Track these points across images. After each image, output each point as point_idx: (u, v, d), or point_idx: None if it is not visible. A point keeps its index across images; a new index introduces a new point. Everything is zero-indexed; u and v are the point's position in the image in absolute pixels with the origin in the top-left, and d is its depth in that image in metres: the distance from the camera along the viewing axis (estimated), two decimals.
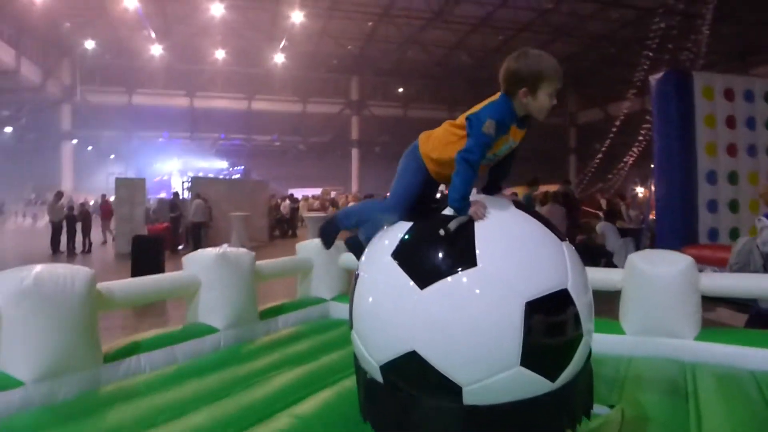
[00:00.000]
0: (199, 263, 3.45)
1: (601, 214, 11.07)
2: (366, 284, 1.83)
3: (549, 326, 1.64)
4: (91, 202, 29.96)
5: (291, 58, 28.48)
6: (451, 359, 1.59)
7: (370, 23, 26.52)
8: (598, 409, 2.45)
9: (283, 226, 18.47)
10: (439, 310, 1.59)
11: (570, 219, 8.43)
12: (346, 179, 34.12)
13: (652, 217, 8.48)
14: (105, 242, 15.41)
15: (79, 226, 13.38)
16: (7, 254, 12.95)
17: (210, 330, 3.33)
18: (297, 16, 22.10)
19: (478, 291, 1.59)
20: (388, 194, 2.08)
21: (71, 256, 12.72)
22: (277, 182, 32.41)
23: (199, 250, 3.60)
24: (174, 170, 31.08)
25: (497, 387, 1.60)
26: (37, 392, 2.40)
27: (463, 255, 1.64)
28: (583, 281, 1.79)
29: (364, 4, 23.85)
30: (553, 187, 11.30)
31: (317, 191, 30.54)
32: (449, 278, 1.61)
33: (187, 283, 3.37)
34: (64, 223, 13.06)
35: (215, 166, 31.91)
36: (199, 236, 13.07)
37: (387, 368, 1.72)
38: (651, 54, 12.53)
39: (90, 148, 34.60)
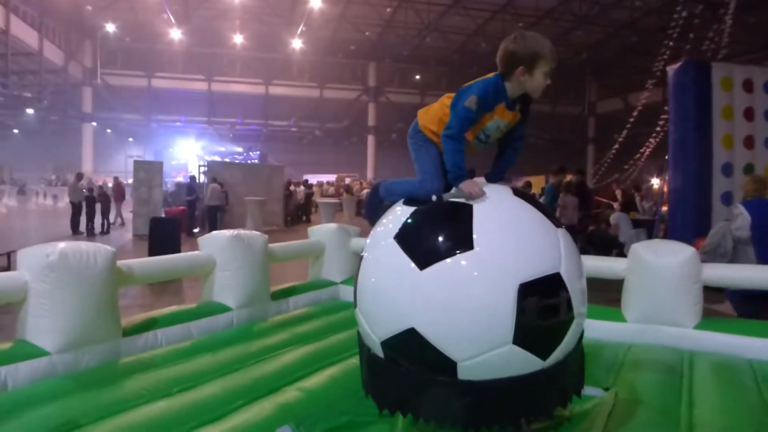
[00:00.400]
0: (214, 244, 3.58)
1: (615, 204, 11.05)
2: (370, 264, 1.92)
3: (541, 307, 1.73)
4: (110, 184, 30.48)
5: (309, 43, 28.49)
6: (447, 336, 1.69)
7: (388, 9, 26.39)
8: (593, 391, 2.54)
9: (298, 212, 18.65)
10: (437, 290, 1.69)
11: (583, 209, 8.43)
12: (361, 166, 34.19)
13: (665, 208, 8.44)
14: (120, 224, 15.57)
15: (98, 207, 13.67)
16: (28, 234, 13.29)
17: (224, 308, 3.47)
18: (316, 2, 22.07)
19: (474, 273, 1.70)
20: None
21: (90, 236, 13.03)
22: (293, 168, 32.60)
23: (215, 232, 3.74)
24: (191, 154, 31.41)
25: (490, 363, 1.69)
26: (61, 361, 2.56)
27: (461, 239, 1.73)
28: (577, 267, 1.87)
29: None
30: (567, 178, 11.28)
31: (333, 177, 30.73)
32: (447, 260, 1.71)
33: (202, 262, 3.50)
34: (84, 204, 13.37)
35: (232, 150, 32.17)
36: (214, 220, 13.29)
37: (387, 344, 1.82)
38: (671, 43, 12.34)
39: (109, 131, 35.12)
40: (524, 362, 1.72)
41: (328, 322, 3.67)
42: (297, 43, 27.85)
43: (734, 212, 4.60)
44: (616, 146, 17.28)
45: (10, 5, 20.84)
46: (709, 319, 3.35)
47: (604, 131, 31.98)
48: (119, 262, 2.95)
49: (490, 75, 1.94)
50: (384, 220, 2.02)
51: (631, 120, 15.42)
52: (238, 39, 27.80)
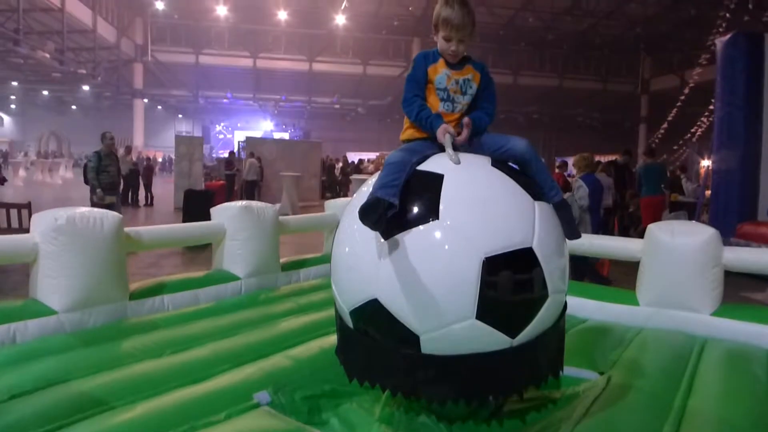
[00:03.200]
0: (225, 213, 3.65)
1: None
2: (342, 233, 1.91)
3: (508, 283, 1.66)
4: (159, 159, 31.52)
5: (352, 19, 28.26)
6: (408, 308, 1.65)
7: None
8: (588, 374, 2.47)
9: (335, 188, 18.80)
10: (399, 261, 1.65)
11: (620, 190, 8.10)
12: (399, 147, 33.91)
13: (708, 192, 8.02)
14: (146, 203, 14.63)
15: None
16: (75, 203, 13.94)
17: (232, 277, 3.55)
18: None
19: (438, 244, 1.64)
20: None
21: (135, 207, 13.58)
22: (336, 145, 32.79)
23: (227, 203, 3.81)
24: (236, 129, 32.03)
25: (453, 337, 1.65)
26: (68, 320, 2.69)
27: (427, 209, 1.68)
28: (554, 242, 1.79)
29: None
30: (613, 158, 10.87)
31: (374, 155, 30.71)
32: (412, 230, 1.66)
33: (212, 231, 3.58)
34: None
35: (274, 126, 32.60)
36: (252, 194, 13.57)
37: (355, 314, 1.81)
38: (729, 15, 11.55)
39: (159, 107, 36.20)
40: (490, 339, 1.67)
41: None
42: (341, 19, 27.70)
43: (575, 185, 5.38)
44: (665, 126, 16.46)
45: None
46: (730, 304, 3.18)
47: (657, 110, 30.43)
48: (128, 229, 3.05)
49: None
50: (363, 188, 1.99)
51: (682, 98, 14.61)
52: (282, 15, 27.88)
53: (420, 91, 1.95)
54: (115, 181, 7.62)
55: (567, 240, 1.91)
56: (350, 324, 1.87)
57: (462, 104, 1.99)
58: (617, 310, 3.34)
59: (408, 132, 2.03)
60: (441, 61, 1.97)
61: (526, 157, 1.87)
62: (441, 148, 1.88)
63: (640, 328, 3.13)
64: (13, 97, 37.70)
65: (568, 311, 3.16)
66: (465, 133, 1.90)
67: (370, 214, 1.64)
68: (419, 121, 1.93)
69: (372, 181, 1.90)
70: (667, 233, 3.16)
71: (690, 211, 8.40)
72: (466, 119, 1.92)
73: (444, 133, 1.86)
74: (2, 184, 11.96)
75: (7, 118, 42.14)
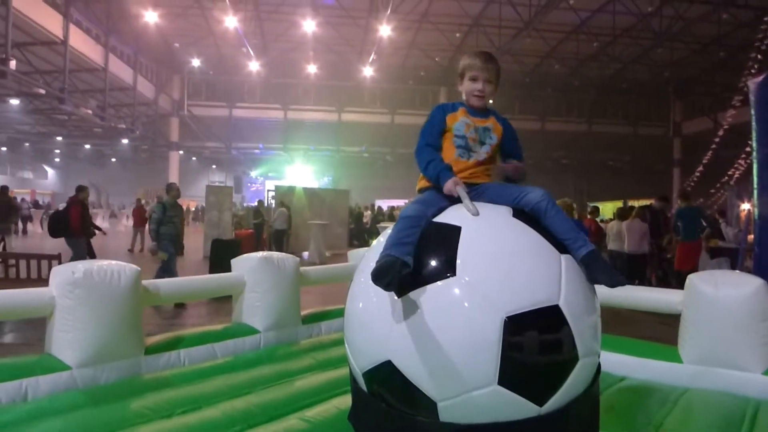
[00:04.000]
0: (245, 265, 3.59)
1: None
2: (356, 287, 1.81)
3: (533, 344, 1.52)
4: (192, 208, 32.25)
5: (380, 70, 29.03)
6: (424, 372, 1.52)
7: (458, 34, 26.42)
8: None
9: (364, 236, 18.79)
10: (414, 320, 1.54)
11: (655, 236, 7.81)
12: (416, 198, 33.99)
13: (751, 237, 7.65)
14: (139, 249, 14.53)
15: None
16: (106, 253, 14.22)
17: (251, 331, 3.45)
18: (386, 30, 22.53)
19: (455, 302, 1.52)
20: None
21: None
22: (365, 192, 33.04)
23: (247, 254, 3.76)
24: (266, 180, 32.67)
25: (474, 405, 1.51)
26: (81, 376, 2.62)
27: (445, 264, 1.58)
28: (584, 299, 1.65)
29: (454, 15, 23.81)
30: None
31: (403, 202, 30.79)
32: (426, 287, 1.55)
33: (231, 283, 3.52)
34: None
35: (305, 176, 33.18)
36: (281, 243, 13.63)
37: (368, 376, 1.69)
38: (760, 57, 11.37)
39: (194, 158, 37.38)
40: (514, 407, 1.51)
41: None
42: (368, 71, 28.47)
43: None
44: (700, 168, 16.05)
45: (109, 46, 22.90)
46: None
47: (691, 153, 29.88)
48: (145, 282, 3.02)
49: None
50: (381, 239, 1.90)
51: (717, 140, 14.27)
52: (311, 69, 28.85)
53: (433, 141, 1.91)
54: (179, 232, 7.31)
55: (609, 288, 1.74)
56: (364, 387, 1.74)
57: (479, 154, 1.91)
58: (659, 367, 3.10)
59: (423, 181, 1.96)
60: (462, 110, 1.96)
61: (542, 207, 1.73)
62: (456, 201, 1.79)
63: (684, 389, 2.88)
64: (57, 151, 39.61)
65: (605, 368, 2.96)
66: (513, 166, 1.91)
67: (382, 277, 1.53)
68: (428, 171, 1.87)
69: (387, 232, 1.81)
70: (710, 284, 2.94)
71: (732, 258, 8.01)
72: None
73: (454, 186, 1.78)
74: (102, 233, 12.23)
75: (50, 171, 44.15)
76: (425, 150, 1.90)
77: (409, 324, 1.54)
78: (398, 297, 1.57)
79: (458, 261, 1.56)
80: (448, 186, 1.79)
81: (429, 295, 1.54)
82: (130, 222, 27.41)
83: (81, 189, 8.43)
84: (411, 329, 1.53)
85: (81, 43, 20.48)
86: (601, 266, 1.71)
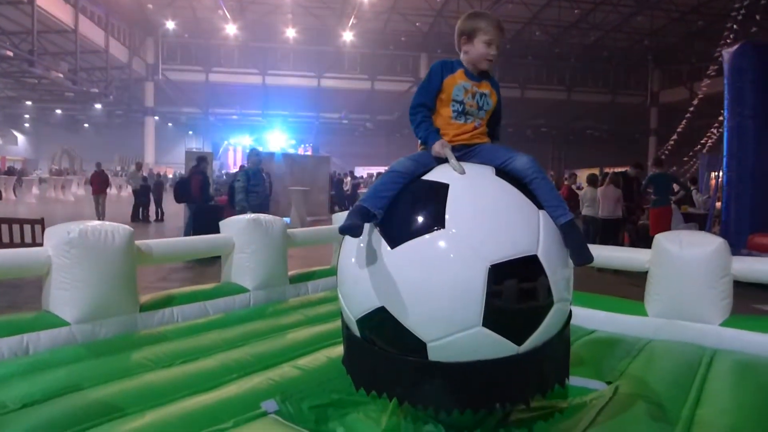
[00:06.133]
0: (233, 227, 3.69)
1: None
2: (349, 243, 1.93)
3: (513, 290, 1.67)
4: (170, 175, 31.84)
5: (360, 35, 28.64)
6: (416, 316, 1.67)
7: None
8: (596, 384, 2.46)
9: (344, 202, 18.87)
10: (406, 269, 1.68)
11: (629, 202, 8.07)
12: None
13: (719, 204, 7.96)
14: (156, 218, 14.48)
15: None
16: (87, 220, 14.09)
17: (240, 289, 3.58)
18: None
19: (444, 252, 1.66)
20: None
21: (145, 222, 13.71)
22: (345, 159, 32.97)
23: (236, 216, 3.85)
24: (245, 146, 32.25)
25: (460, 345, 1.66)
26: (80, 332, 2.72)
27: (434, 218, 1.71)
28: (558, 250, 1.80)
29: None
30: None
31: (383, 169, 30.80)
32: (418, 239, 1.69)
33: (221, 244, 3.62)
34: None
35: (284, 142, 32.87)
36: (262, 208, 13.63)
37: (362, 323, 1.83)
38: (736, 27, 11.56)
39: (170, 124, 36.67)
40: (496, 346, 1.68)
41: None
42: (348, 36, 28.08)
43: None
44: (674, 137, 16.41)
45: (79, 6, 22.08)
46: (740, 315, 3.16)
47: (667, 122, 30.37)
48: (138, 242, 3.10)
49: None
50: None
51: (691, 109, 14.57)
52: (290, 33, 28.33)
53: (428, 101, 1.97)
54: (265, 202, 6.83)
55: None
56: (357, 333, 1.89)
57: (476, 119, 1.99)
58: (626, 321, 3.33)
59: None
60: (460, 71, 1.98)
61: (528, 174, 1.83)
62: (445, 161, 1.91)
63: (648, 340, 3.11)
64: (27, 116, 38.43)
65: (577, 322, 3.17)
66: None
67: (351, 220, 1.73)
68: (418, 132, 1.96)
69: None
70: (675, 243, 3.15)
71: (701, 223, 8.34)
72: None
73: (441, 147, 1.88)
74: None
75: (21, 137, 42.89)
76: (418, 110, 1.97)
77: (401, 273, 1.68)
78: (391, 248, 1.70)
79: (446, 216, 1.69)
80: (436, 148, 1.89)
81: (420, 247, 1.68)
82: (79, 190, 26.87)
83: (202, 159, 9.04)
84: (403, 277, 1.67)
85: (49, 2, 19.73)
86: (575, 239, 1.82)
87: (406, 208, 1.79)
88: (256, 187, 6.59)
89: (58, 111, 35.47)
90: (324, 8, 26.52)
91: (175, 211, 16.20)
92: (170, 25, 27.33)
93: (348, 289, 1.89)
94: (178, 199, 9.13)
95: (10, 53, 19.19)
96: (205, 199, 8.90)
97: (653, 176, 7.72)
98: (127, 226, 2.97)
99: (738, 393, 2.34)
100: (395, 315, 1.69)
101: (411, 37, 31.05)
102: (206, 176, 8.94)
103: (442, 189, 1.77)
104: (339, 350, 2.69)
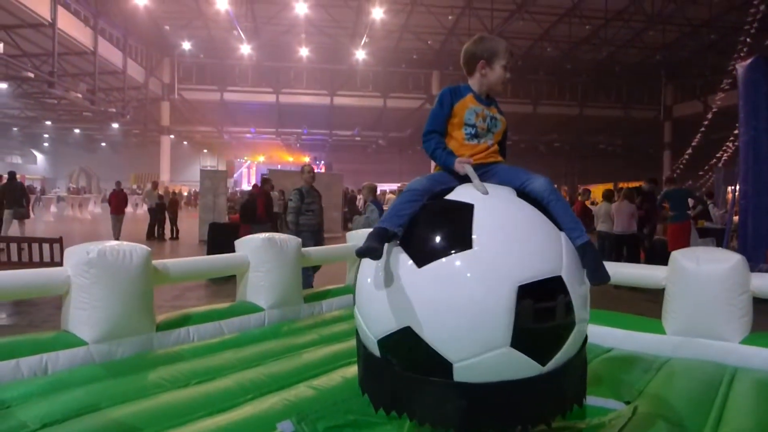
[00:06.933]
0: (248, 246, 3.72)
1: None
2: (369, 262, 1.94)
3: (540, 310, 1.69)
4: (185, 193, 32.18)
5: (372, 54, 28.92)
6: (442, 336, 1.67)
7: (450, 17, 26.33)
8: (614, 404, 2.42)
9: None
10: (433, 289, 1.68)
11: (643, 217, 8.00)
12: (425, 174, 34.10)
13: (736, 218, 7.86)
14: (172, 236, 14.59)
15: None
16: (104, 238, 14.29)
17: (255, 308, 3.60)
18: (378, 13, 22.42)
19: (472, 272, 1.67)
20: None
21: (161, 240, 13.86)
22: (357, 176, 33.10)
23: (251, 235, 3.88)
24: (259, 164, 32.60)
25: (486, 365, 1.66)
26: (97, 351, 2.75)
27: (460, 238, 1.72)
28: (578, 271, 1.80)
29: None
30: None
31: (396, 186, 30.90)
32: (445, 259, 1.69)
33: (235, 263, 3.65)
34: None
35: (299, 160, 33.14)
36: (275, 226, 13.72)
37: (383, 343, 1.82)
38: (749, 40, 11.50)
39: (185, 142, 37.18)
40: (522, 366, 1.68)
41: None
42: (360, 54, 28.36)
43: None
44: (689, 151, 16.27)
45: (98, 28, 22.64)
46: (760, 333, 3.10)
47: (681, 136, 30.15)
48: (155, 262, 3.14)
49: None
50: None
51: (706, 123, 14.45)
52: (304, 52, 28.67)
53: (440, 127, 2.01)
54: (320, 221, 6.32)
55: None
56: (377, 353, 1.88)
57: (488, 140, 2.03)
58: (643, 339, 3.29)
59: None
60: (470, 96, 2.03)
61: (545, 196, 1.86)
62: (464, 180, 1.93)
63: (667, 358, 3.06)
64: (46, 135, 39.25)
65: (594, 340, 3.13)
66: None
67: (370, 243, 1.74)
68: (435, 157, 2.00)
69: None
70: (691, 260, 3.12)
71: (718, 238, 8.23)
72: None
73: (463, 166, 1.92)
74: None
75: (40, 156, 43.77)
76: (431, 137, 2.01)
77: (428, 292, 1.68)
78: (418, 267, 1.72)
79: (474, 236, 1.70)
80: (457, 167, 1.93)
81: (447, 266, 1.68)
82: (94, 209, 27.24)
83: (265, 181, 9.55)
84: (430, 297, 1.67)
85: (69, 25, 20.23)
86: (591, 260, 1.84)
87: (432, 227, 1.81)
88: (311, 206, 6.09)
89: (77, 131, 36.19)
90: (337, 27, 26.86)
91: (190, 229, 16.39)
92: (186, 45, 27.85)
93: (368, 308, 1.89)
94: (245, 219, 8.93)
95: (32, 75, 19.68)
96: (270, 218, 9.04)
97: (668, 192, 7.66)
98: (144, 246, 3.01)
99: (760, 412, 2.30)
100: (421, 335, 1.69)
101: (423, 54, 31.29)
102: (269, 196, 9.10)
103: (467, 209, 1.79)
104: (354, 370, 2.70)
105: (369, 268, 1.93)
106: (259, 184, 17.24)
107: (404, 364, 1.81)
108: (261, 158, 35.58)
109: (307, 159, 33.02)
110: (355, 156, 37.96)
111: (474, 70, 2.05)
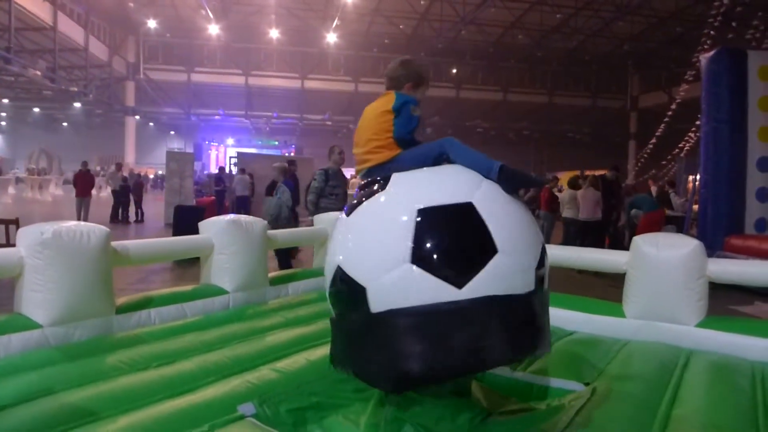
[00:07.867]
0: (213, 228, 3.64)
1: None
2: (335, 243, 2.05)
3: (443, 231, 1.73)
4: (151, 176, 31.43)
5: (343, 37, 28.58)
6: (356, 262, 1.81)
7: (423, 2, 26.20)
8: (574, 385, 2.47)
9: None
10: (356, 227, 1.90)
11: (607, 204, 8.17)
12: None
13: (696, 206, 8.12)
14: (136, 219, 14.38)
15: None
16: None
17: (220, 291, 3.53)
18: None
19: (385, 205, 1.87)
20: None
21: (125, 223, 13.51)
22: (328, 161, 32.82)
23: (215, 217, 3.81)
24: (229, 147, 32.01)
25: (396, 287, 1.69)
26: (53, 334, 2.66)
27: (382, 184, 1.94)
28: (505, 205, 1.85)
29: None
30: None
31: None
32: (368, 200, 1.91)
33: (199, 245, 3.58)
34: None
35: (268, 143, 32.66)
36: (242, 210, 13.53)
37: (330, 294, 1.97)
38: (713, 33, 11.78)
39: (151, 124, 36.21)
40: (433, 288, 1.65)
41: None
42: (332, 38, 27.99)
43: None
44: (653, 141, 16.67)
45: (58, 3, 21.70)
46: (714, 317, 3.21)
47: (646, 126, 30.86)
48: (115, 243, 3.04)
49: (390, 92, 2.30)
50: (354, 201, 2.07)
51: (670, 114, 14.81)
52: (274, 34, 28.13)
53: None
54: (341, 207, 5.59)
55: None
56: (332, 313, 2.00)
57: None
58: (605, 322, 3.36)
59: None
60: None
61: (446, 149, 2.02)
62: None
63: (626, 341, 3.14)
64: (3, 114, 37.64)
65: (556, 323, 3.19)
66: None
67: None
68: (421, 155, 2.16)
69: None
70: (652, 246, 3.19)
71: (679, 226, 8.48)
72: None
73: None
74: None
75: None
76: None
77: (352, 234, 1.90)
78: (347, 216, 1.98)
79: (391, 179, 1.92)
80: None
81: (369, 206, 1.90)
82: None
83: (291, 162, 9.21)
84: (353, 237, 1.89)
85: None
86: (515, 172, 1.91)
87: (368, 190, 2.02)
88: (335, 189, 5.69)
89: (36, 110, 34.80)
90: (307, 10, 26.41)
91: (156, 212, 16.02)
92: (152, 24, 26.98)
93: (327, 267, 2.01)
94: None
95: None
96: (295, 202, 9.01)
97: (634, 199, 8.00)
98: (103, 227, 2.91)
99: (713, 393, 2.38)
100: (344, 267, 1.84)
101: (394, 39, 31.07)
102: (296, 179, 9.02)
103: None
104: (319, 352, 2.69)
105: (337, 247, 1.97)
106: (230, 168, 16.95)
107: (341, 309, 1.93)
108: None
109: (276, 143, 32.54)
110: (326, 140, 37.49)
111: (401, 87, 2.32)
